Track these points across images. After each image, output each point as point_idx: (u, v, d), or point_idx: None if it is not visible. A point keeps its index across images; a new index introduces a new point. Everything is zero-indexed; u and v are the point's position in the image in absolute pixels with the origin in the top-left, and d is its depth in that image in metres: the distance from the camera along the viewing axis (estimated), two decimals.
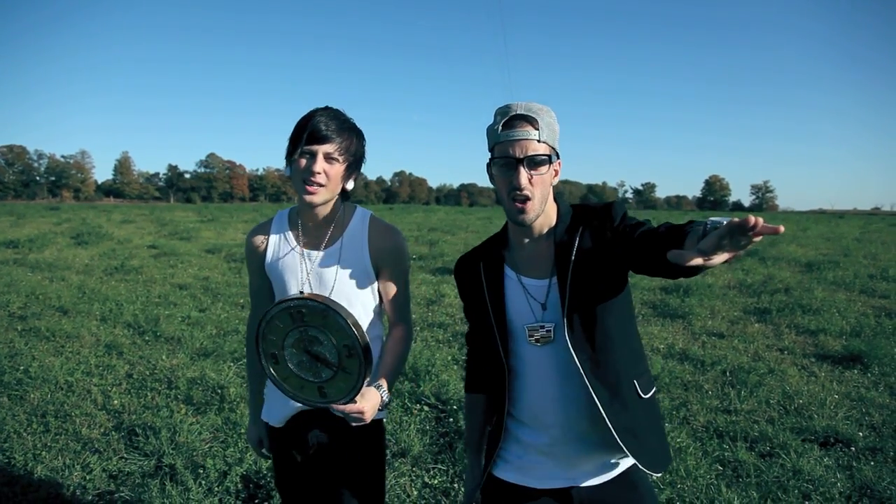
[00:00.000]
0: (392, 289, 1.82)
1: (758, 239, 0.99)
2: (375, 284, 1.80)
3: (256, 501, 3.02)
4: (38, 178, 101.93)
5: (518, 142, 1.43)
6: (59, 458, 3.44)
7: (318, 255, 1.77)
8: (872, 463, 3.49)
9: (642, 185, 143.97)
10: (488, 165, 1.53)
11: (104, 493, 3.09)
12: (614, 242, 1.46)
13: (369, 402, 1.58)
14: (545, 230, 1.55)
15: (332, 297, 1.68)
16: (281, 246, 1.80)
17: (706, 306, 7.89)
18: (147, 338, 6.04)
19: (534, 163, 1.44)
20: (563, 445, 1.52)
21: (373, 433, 1.81)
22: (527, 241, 1.56)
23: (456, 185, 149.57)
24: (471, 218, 30.64)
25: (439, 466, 3.40)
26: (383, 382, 1.68)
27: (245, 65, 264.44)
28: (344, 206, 1.81)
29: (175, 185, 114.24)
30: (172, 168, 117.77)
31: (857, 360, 5.50)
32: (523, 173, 1.43)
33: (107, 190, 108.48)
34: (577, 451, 1.52)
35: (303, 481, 1.86)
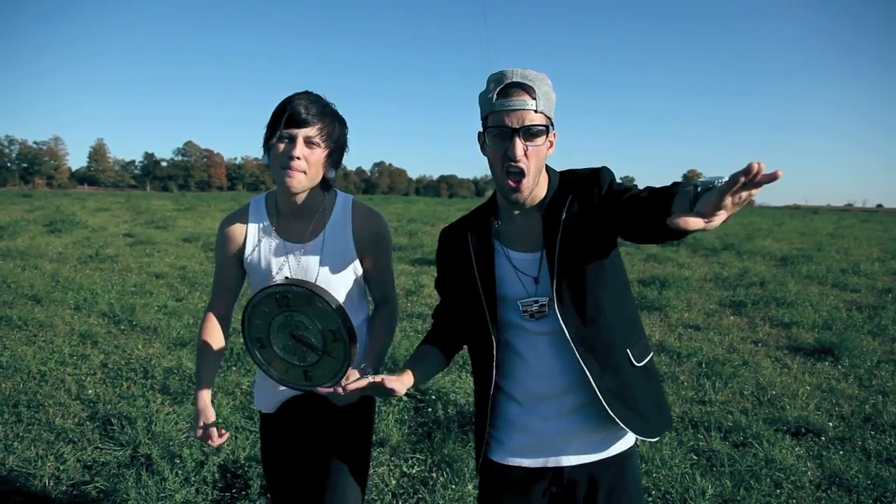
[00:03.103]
0: (377, 272, 1.81)
1: (757, 192, 0.95)
2: (360, 270, 1.79)
3: (234, 491, 3.01)
4: (9, 164, 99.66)
5: (514, 111, 1.38)
6: (32, 448, 3.39)
7: (301, 247, 1.72)
8: (841, 452, 3.57)
9: (621, 178, 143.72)
10: (480, 135, 1.49)
11: (78, 483, 3.05)
12: (601, 209, 1.43)
13: (353, 382, 1.56)
14: (535, 202, 1.51)
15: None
16: (260, 238, 1.75)
17: (683, 299, 7.99)
18: (123, 327, 5.96)
19: (530, 134, 1.39)
20: (557, 420, 1.51)
21: (362, 413, 1.80)
22: (516, 213, 1.52)
23: (436, 176, 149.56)
24: (450, 209, 30.63)
25: (417, 456, 3.41)
26: (369, 364, 1.68)
27: (223, 53, 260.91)
28: (325, 194, 1.76)
29: (151, 174, 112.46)
30: (149, 156, 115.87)
31: (828, 352, 5.61)
32: (519, 144, 1.38)
33: (81, 177, 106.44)
34: (570, 426, 1.51)
35: (292, 466, 1.85)
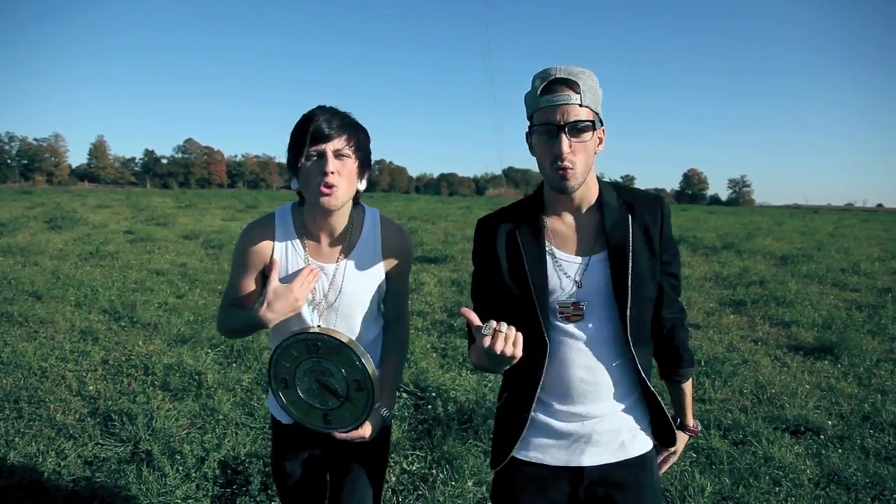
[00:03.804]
0: (396, 289, 1.80)
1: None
2: (384, 286, 1.76)
3: (234, 487, 3.02)
4: (9, 161, 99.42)
5: (559, 107, 1.36)
6: (33, 444, 3.39)
7: (333, 267, 1.67)
8: (840, 450, 3.58)
9: (622, 176, 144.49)
10: (527, 134, 1.47)
11: (79, 478, 3.06)
12: (660, 252, 1.49)
13: (369, 425, 1.68)
14: (585, 204, 1.50)
15: (348, 307, 1.69)
16: (290, 257, 1.66)
17: (683, 297, 7.95)
18: (123, 324, 5.96)
19: (576, 129, 1.37)
20: (580, 422, 1.51)
21: (379, 435, 1.79)
22: (565, 213, 1.51)
23: (436, 174, 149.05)
24: (450, 207, 30.64)
25: (417, 453, 3.42)
26: (382, 401, 1.72)
27: (223, 50, 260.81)
28: (354, 210, 1.71)
29: (152, 171, 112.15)
30: (149, 153, 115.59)
31: (828, 351, 5.62)
32: (565, 140, 1.36)
33: (81, 174, 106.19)
34: (594, 429, 1.51)
35: (305, 477, 1.84)
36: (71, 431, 3.56)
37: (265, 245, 1.66)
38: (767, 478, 3.23)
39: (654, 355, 1.60)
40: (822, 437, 3.78)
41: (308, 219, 1.66)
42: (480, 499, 3.00)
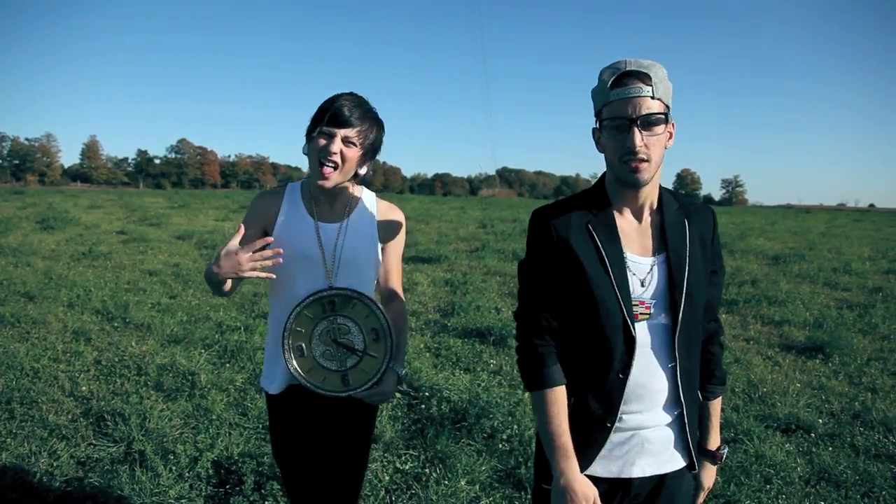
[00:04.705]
0: (393, 261, 1.99)
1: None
2: (379, 256, 1.94)
3: (227, 486, 3.02)
4: (0, 161, 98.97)
5: (630, 100, 1.31)
6: (25, 444, 3.38)
7: (331, 227, 1.87)
8: (831, 448, 3.61)
9: None
10: (595, 130, 1.43)
11: (72, 479, 3.06)
12: (711, 259, 1.49)
13: (389, 382, 1.81)
14: (649, 204, 1.46)
15: (344, 266, 1.84)
16: (293, 215, 1.87)
17: None
18: (116, 324, 5.95)
19: (648, 122, 1.32)
20: (635, 433, 1.45)
21: (367, 411, 1.93)
22: (628, 211, 1.46)
23: (430, 174, 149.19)
24: (444, 207, 30.61)
25: (411, 452, 3.42)
26: (398, 364, 1.87)
27: (216, 51, 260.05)
28: (354, 186, 1.93)
29: (145, 171, 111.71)
30: (142, 153, 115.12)
31: (819, 350, 5.66)
32: (637, 134, 1.31)
33: (74, 174, 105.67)
34: (647, 439, 1.46)
35: (299, 446, 1.92)
36: (63, 432, 3.55)
37: (272, 204, 1.88)
38: (759, 476, 3.25)
39: None
40: (812, 435, 3.81)
41: (314, 186, 1.84)
42: (473, 497, 3.01)
